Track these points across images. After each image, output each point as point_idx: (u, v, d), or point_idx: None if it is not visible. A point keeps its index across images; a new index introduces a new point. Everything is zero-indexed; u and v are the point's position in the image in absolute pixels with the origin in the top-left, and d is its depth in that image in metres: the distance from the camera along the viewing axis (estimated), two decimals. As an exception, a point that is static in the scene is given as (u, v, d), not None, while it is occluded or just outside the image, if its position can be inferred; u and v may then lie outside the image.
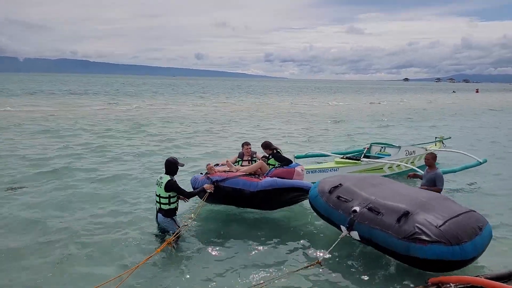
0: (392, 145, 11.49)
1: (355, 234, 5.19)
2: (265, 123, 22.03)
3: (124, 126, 19.05)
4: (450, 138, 14.54)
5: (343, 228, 5.33)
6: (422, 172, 8.38)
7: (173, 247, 5.49)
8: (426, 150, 11.28)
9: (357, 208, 5.23)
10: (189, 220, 6.14)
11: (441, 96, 69.84)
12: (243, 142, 8.02)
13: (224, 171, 6.95)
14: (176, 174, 5.99)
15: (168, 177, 5.81)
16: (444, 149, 12.35)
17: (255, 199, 6.42)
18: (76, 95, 44.46)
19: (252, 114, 28.00)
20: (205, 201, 6.48)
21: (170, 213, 5.89)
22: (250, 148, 7.81)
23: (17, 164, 10.50)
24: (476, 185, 9.58)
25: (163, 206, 5.87)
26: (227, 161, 7.40)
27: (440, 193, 6.32)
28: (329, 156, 11.02)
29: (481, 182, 9.86)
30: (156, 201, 5.94)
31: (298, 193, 6.63)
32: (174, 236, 5.52)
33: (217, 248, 5.75)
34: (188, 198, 6.16)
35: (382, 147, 11.28)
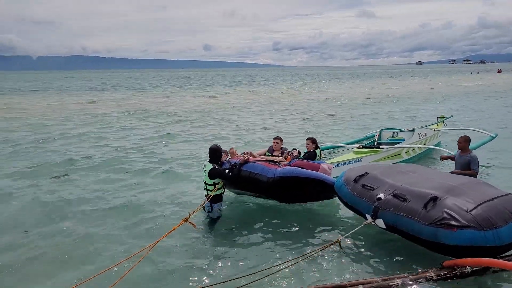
0: (403, 130, 11.35)
1: (380, 222, 5.08)
2: (270, 116, 21.48)
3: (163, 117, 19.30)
4: (451, 117, 14.76)
5: (368, 216, 5.25)
6: (449, 152, 8.25)
7: (193, 224, 5.49)
8: (435, 130, 11.22)
9: (382, 196, 5.11)
10: (206, 199, 6.18)
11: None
12: (275, 136, 7.55)
13: (246, 157, 6.68)
14: (220, 160, 6.21)
15: (211, 165, 6.03)
16: (455, 128, 12.37)
17: (272, 186, 6.13)
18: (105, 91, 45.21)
19: (266, 105, 27.89)
20: (224, 188, 6.53)
21: (216, 199, 6.12)
22: (278, 142, 7.33)
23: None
24: (498, 163, 9.53)
25: (209, 193, 6.09)
26: (250, 152, 7.00)
27: (476, 176, 6.13)
28: (342, 147, 10.96)
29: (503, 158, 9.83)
30: (204, 188, 6.20)
31: (318, 188, 6.27)
32: (192, 214, 5.60)
33: (240, 233, 5.93)
34: (231, 180, 6.28)
35: (394, 133, 11.17)
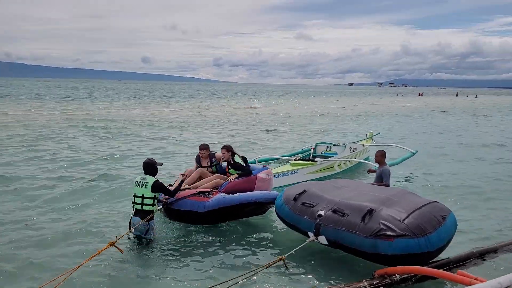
0: (336, 144, 12.06)
1: (322, 239, 5.15)
2: (208, 128, 21.64)
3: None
4: (379, 133, 16.18)
5: (310, 234, 5.27)
6: (376, 165, 8.88)
7: (120, 249, 5.07)
8: (364, 146, 12.12)
9: (322, 212, 5.19)
10: (142, 221, 5.70)
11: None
12: (200, 144, 7.29)
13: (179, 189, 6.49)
14: (157, 174, 5.86)
15: (153, 178, 5.71)
16: (381, 144, 13.59)
17: (203, 219, 6.21)
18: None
19: (200, 118, 27.67)
20: (164, 215, 6.48)
21: (151, 216, 5.72)
22: (205, 152, 7.15)
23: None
24: (418, 176, 10.47)
25: (146, 207, 5.63)
26: (183, 175, 6.78)
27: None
28: (279, 159, 11.38)
29: (420, 172, 10.84)
30: (136, 203, 5.67)
31: (252, 207, 6.34)
32: (119, 238, 5.20)
33: (177, 252, 5.58)
34: (173, 196, 6.17)
35: (327, 147, 11.80)
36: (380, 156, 6.89)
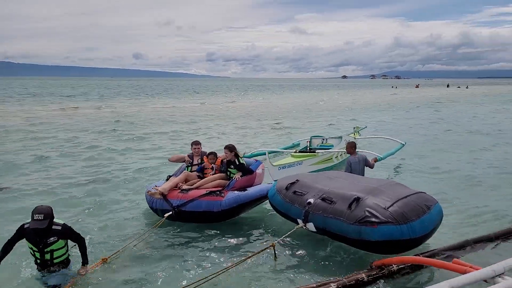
0: (331, 137, 12.25)
1: (311, 226, 5.32)
2: (203, 124, 21.48)
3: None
4: (365, 127, 16.56)
5: (299, 221, 5.45)
6: (376, 154, 9.12)
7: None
8: (355, 138, 12.41)
9: (312, 200, 5.37)
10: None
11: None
12: (193, 141, 7.48)
13: (182, 190, 6.50)
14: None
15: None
16: (370, 136, 13.98)
17: (220, 217, 6.34)
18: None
19: (189, 116, 27.57)
20: (169, 220, 6.25)
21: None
22: (199, 147, 7.35)
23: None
24: (407, 167, 10.67)
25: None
26: (178, 179, 6.74)
27: None
28: (276, 152, 11.59)
29: (409, 163, 11.08)
30: None
31: (261, 200, 6.72)
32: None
33: (170, 245, 5.67)
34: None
35: (323, 139, 11.90)
36: (349, 148, 7.29)
